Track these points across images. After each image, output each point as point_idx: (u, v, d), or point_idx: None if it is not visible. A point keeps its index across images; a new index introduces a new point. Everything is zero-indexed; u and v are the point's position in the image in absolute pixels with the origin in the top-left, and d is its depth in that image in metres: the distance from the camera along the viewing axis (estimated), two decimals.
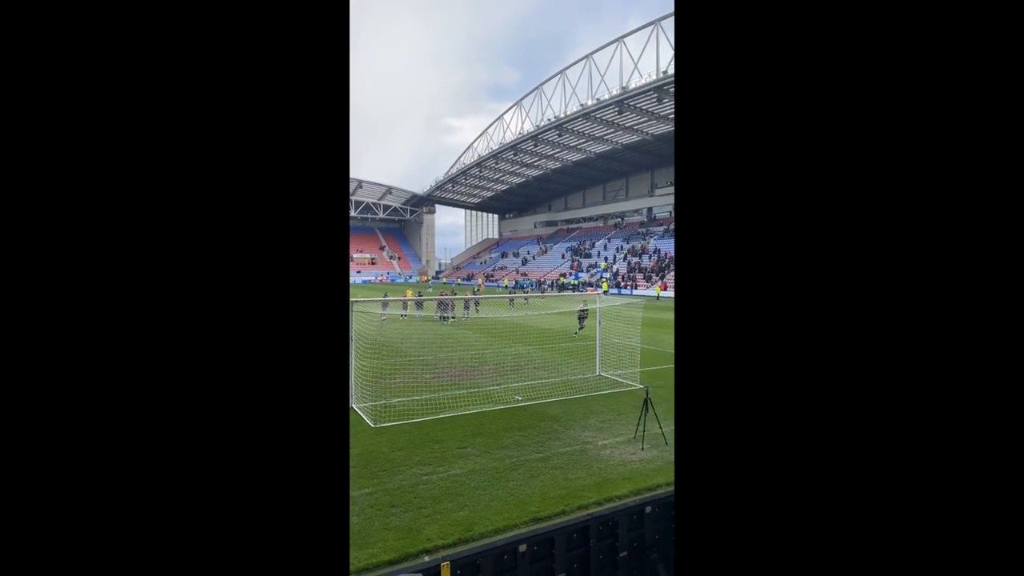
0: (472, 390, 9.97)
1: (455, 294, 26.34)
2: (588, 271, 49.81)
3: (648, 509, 4.82)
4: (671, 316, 22.01)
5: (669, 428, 7.40)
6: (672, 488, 5.34)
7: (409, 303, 21.37)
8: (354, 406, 8.76)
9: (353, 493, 5.57)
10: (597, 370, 11.49)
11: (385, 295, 17.36)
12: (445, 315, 19.85)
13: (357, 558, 4.30)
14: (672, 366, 12.17)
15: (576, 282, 46.62)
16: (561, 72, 47.47)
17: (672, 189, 52.38)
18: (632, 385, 10.22)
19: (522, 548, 3.86)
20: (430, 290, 34.67)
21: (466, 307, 21.24)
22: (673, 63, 36.49)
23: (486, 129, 58.94)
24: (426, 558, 4.17)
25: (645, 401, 7.13)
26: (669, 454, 6.68)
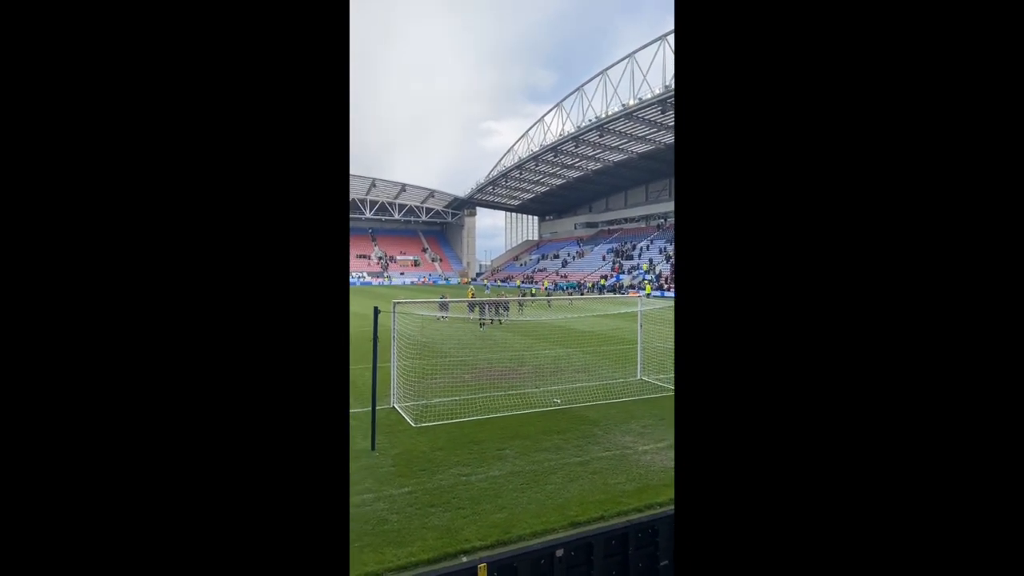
0: (511, 392, 9.98)
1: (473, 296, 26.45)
2: (630, 272, 49.10)
3: None
4: None
5: None
6: None
7: (487, 306, 21.65)
8: (396, 406, 8.92)
9: (393, 491, 5.67)
10: (638, 374, 11.30)
11: (443, 296, 17.62)
12: (484, 319, 19.98)
13: (397, 556, 4.37)
14: None
15: (616, 284, 45.99)
16: (602, 72, 47.06)
17: None
18: (673, 390, 9.98)
19: (559, 553, 3.82)
20: (488, 292, 34.99)
21: (505, 309, 21.35)
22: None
23: (527, 131, 59.09)
24: (464, 559, 4.19)
25: None
26: None
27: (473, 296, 25.63)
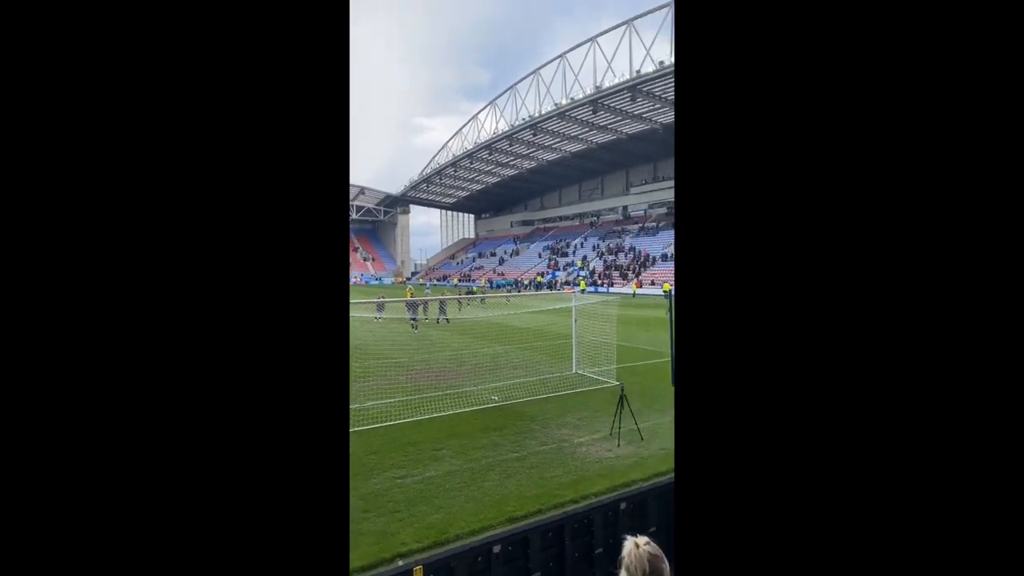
0: (448, 392, 9.89)
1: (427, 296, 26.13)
2: (565, 269, 50.06)
3: (623, 506, 4.83)
4: (646, 313, 22.29)
5: (644, 424, 7.45)
6: (645, 484, 5.37)
7: (431, 306, 21.18)
8: None
9: None
10: (574, 368, 11.53)
11: (380, 297, 17.04)
12: (414, 319, 19.54)
13: None
14: (647, 362, 12.29)
15: (552, 280, 46.80)
16: (535, 72, 47.61)
17: (646, 187, 53.04)
18: (608, 382, 10.27)
19: (496, 549, 3.81)
20: (428, 291, 34.57)
21: (441, 310, 21.12)
22: (644, 62, 36.93)
23: (460, 129, 58.79)
24: (400, 563, 4.10)
25: (620, 398, 7.17)
26: (644, 450, 6.72)
27: (412, 296, 25.16)
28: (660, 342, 12.03)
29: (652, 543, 1.82)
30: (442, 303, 20.96)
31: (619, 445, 6.87)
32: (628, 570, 1.80)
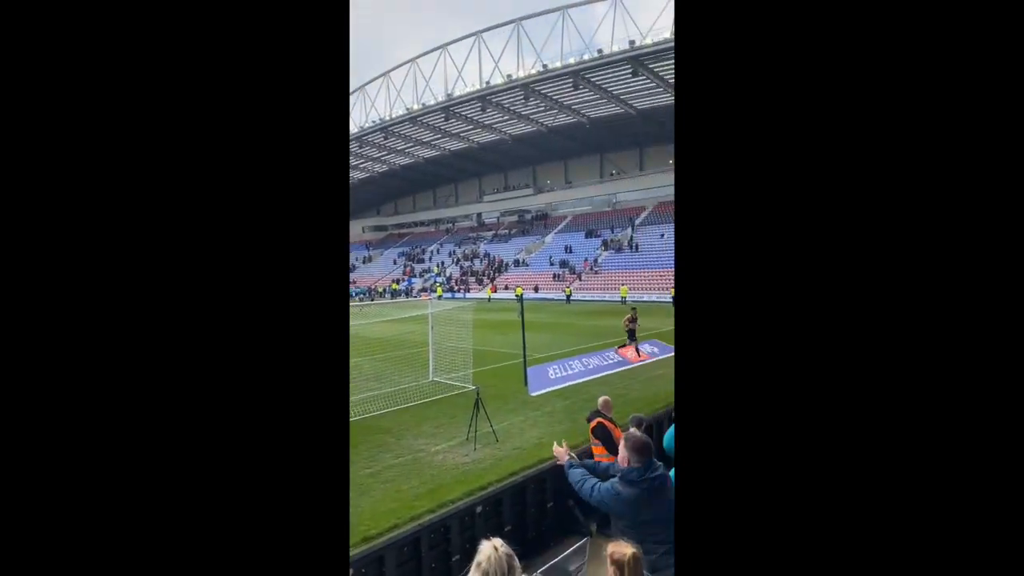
0: None
1: None
2: (422, 276, 49.60)
3: (479, 509, 4.91)
4: (501, 316, 22.99)
5: (500, 425, 7.67)
6: (501, 484, 5.53)
7: None
8: None
9: None
10: (430, 375, 11.45)
11: None
12: None
13: None
14: (502, 364, 12.65)
15: (408, 287, 46.09)
16: (385, 74, 46.60)
17: (498, 196, 54.87)
18: (465, 387, 10.38)
19: (351, 573, 3.62)
20: None
21: None
22: (493, 74, 38.25)
23: None
24: None
25: (476, 402, 7.29)
26: (499, 451, 6.91)
27: None
28: (515, 344, 12.49)
29: (506, 544, 1.90)
30: None
31: (475, 449, 6.97)
32: (487, 573, 1.83)
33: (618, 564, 1.98)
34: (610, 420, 5.74)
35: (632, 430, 3.01)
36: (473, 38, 39.99)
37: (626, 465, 2.76)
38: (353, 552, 4.25)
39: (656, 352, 13.75)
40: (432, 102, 41.53)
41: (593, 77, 34.91)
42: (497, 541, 1.94)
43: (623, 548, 2.03)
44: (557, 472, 5.95)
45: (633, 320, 14.26)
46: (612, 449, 5.54)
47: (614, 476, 2.78)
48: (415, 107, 42.63)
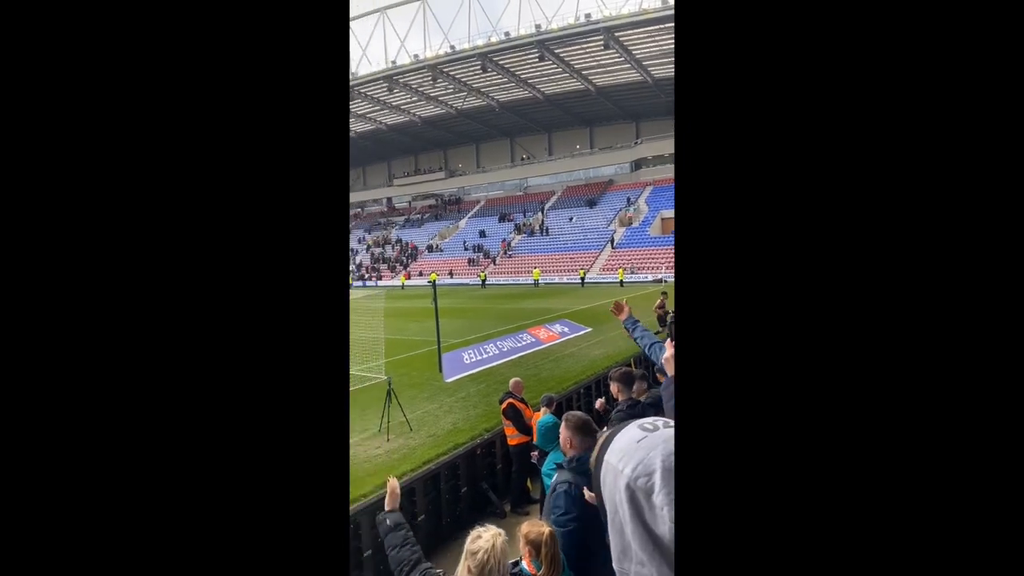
0: None
1: None
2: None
3: None
4: (416, 304, 22.61)
5: (413, 414, 7.58)
6: (415, 473, 5.48)
7: None
8: None
9: None
10: None
11: None
12: None
13: None
14: (416, 352, 12.52)
15: None
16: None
17: (409, 180, 53.61)
18: (377, 378, 10.13)
19: None
20: None
21: None
22: (400, 53, 36.99)
23: None
24: None
25: (388, 392, 7.14)
26: (414, 440, 6.84)
27: None
28: (429, 331, 12.34)
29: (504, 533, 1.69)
30: None
31: (388, 440, 6.85)
32: (483, 568, 1.63)
33: (534, 544, 1.87)
34: (521, 400, 5.85)
35: (571, 412, 2.71)
36: (378, 15, 38.40)
37: (570, 450, 2.50)
38: None
39: (566, 332, 14.20)
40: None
41: (501, 60, 34.90)
42: (496, 529, 1.73)
43: (538, 527, 1.92)
44: (470, 457, 6.01)
45: (662, 306, 13.52)
46: (522, 428, 5.66)
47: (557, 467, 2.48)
48: None
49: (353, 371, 10.78)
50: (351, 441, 6.93)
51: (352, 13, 39.71)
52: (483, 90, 39.71)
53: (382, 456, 6.39)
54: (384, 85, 37.95)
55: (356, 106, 41.66)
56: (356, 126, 46.38)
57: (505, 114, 43.66)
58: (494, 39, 33.80)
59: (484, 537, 1.67)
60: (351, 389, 9.57)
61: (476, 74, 36.56)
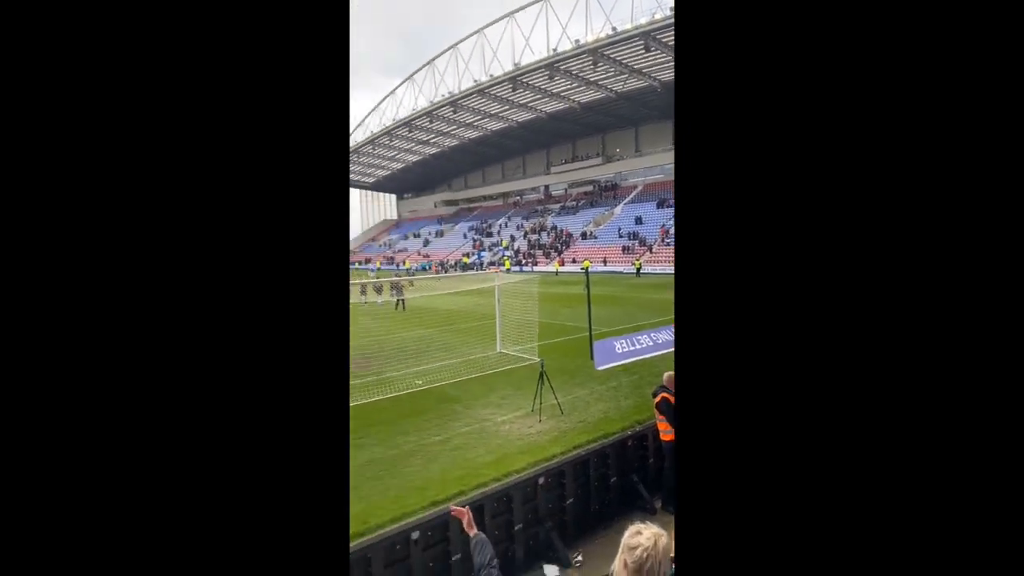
0: (369, 379, 9.68)
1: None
2: (491, 250, 50.14)
3: (541, 480, 4.98)
4: (568, 290, 22.87)
5: (565, 398, 7.70)
6: (565, 457, 5.57)
7: (368, 288, 20.70)
8: None
9: None
10: (498, 347, 11.65)
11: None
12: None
13: None
14: (568, 337, 12.64)
15: (478, 261, 46.80)
16: (453, 47, 46.60)
17: (566, 167, 53.91)
18: (531, 359, 10.48)
19: (415, 536, 3.81)
20: (372, 275, 33.47)
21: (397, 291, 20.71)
22: (561, 40, 37.17)
23: (378, 105, 56.67)
24: None
25: (540, 374, 7.34)
26: (565, 423, 6.95)
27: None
28: (581, 318, 12.40)
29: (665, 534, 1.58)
30: (395, 286, 20.37)
31: (540, 420, 7.05)
32: (641, 566, 1.52)
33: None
34: (674, 395, 5.59)
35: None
36: (540, 4, 38.94)
37: None
38: (421, 516, 4.47)
39: None
40: (500, 72, 41.14)
41: (665, 38, 33.06)
42: (658, 529, 1.59)
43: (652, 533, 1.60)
44: (621, 448, 5.93)
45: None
46: (676, 424, 5.41)
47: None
48: (483, 79, 42.44)
49: (509, 351, 11.29)
50: (505, 418, 7.30)
51: (515, 5, 40.83)
52: (645, 71, 38.14)
53: (533, 436, 6.60)
54: (545, 73, 38.52)
55: (517, 96, 43.00)
56: (517, 116, 47.91)
57: (667, 94, 41.40)
58: (658, 16, 32.16)
59: (644, 534, 1.58)
60: (509, 368, 10.04)
61: (638, 54, 35.23)
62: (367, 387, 9.07)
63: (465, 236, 56.78)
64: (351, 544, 4.06)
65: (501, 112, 47.03)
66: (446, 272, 41.13)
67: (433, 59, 48.89)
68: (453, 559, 3.97)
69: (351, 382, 9.26)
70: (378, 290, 21.68)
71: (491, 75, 41.94)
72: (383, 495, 5.17)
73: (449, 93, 45.77)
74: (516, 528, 4.50)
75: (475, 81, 43.15)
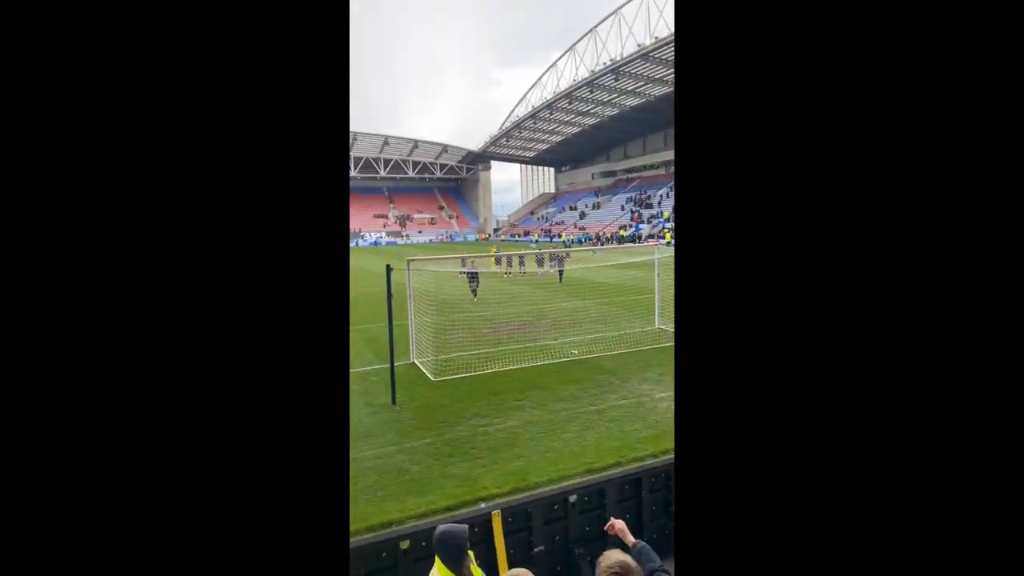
0: (528, 345, 10.06)
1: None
2: (650, 222, 48.24)
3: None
4: None
5: None
6: None
7: (514, 259, 22.32)
8: (415, 361, 9.09)
9: (413, 443, 5.84)
10: (656, 323, 11.26)
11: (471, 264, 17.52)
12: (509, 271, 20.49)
13: (417, 504, 4.53)
14: None
15: (636, 234, 45.39)
16: (616, 11, 44.80)
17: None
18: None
19: (572, 498, 3.90)
20: (533, 246, 35.55)
21: (522, 263, 21.47)
22: None
23: (540, 78, 57.18)
24: (482, 505, 4.33)
25: None
26: None
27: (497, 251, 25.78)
28: None
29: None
30: (556, 258, 21.13)
31: None
32: None
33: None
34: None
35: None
36: None
37: None
38: (577, 481, 4.56)
39: None
40: (665, 34, 38.62)
41: None
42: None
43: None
44: None
45: None
46: None
47: None
48: (647, 42, 40.27)
49: (668, 328, 10.84)
50: (663, 395, 7.05)
51: None
52: None
53: None
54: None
55: (650, 70, 39.97)
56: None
57: None
58: None
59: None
60: (668, 345, 9.66)
61: None
62: (526, 352, 9.45)
63: (623, 208, 55.34)
64: (511, 498, 4.31)
65: (666, 76, 44.23)
66: (600, 245, 40.66)
67: (595, 26, 47.62)
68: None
69: (509, 347, 9.75)
70: (522, 261, 22.43)
71: (656, 37, 39.59)
72: (541, 456, 5.39)
73: (611, 60, 44.33)
74: (672, 508, 4.34)
75: (639, 46, 41.12)
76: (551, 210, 68.92)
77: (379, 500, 4.63)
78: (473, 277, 16.14)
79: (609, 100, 51.08)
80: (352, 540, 3.69)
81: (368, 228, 66.00)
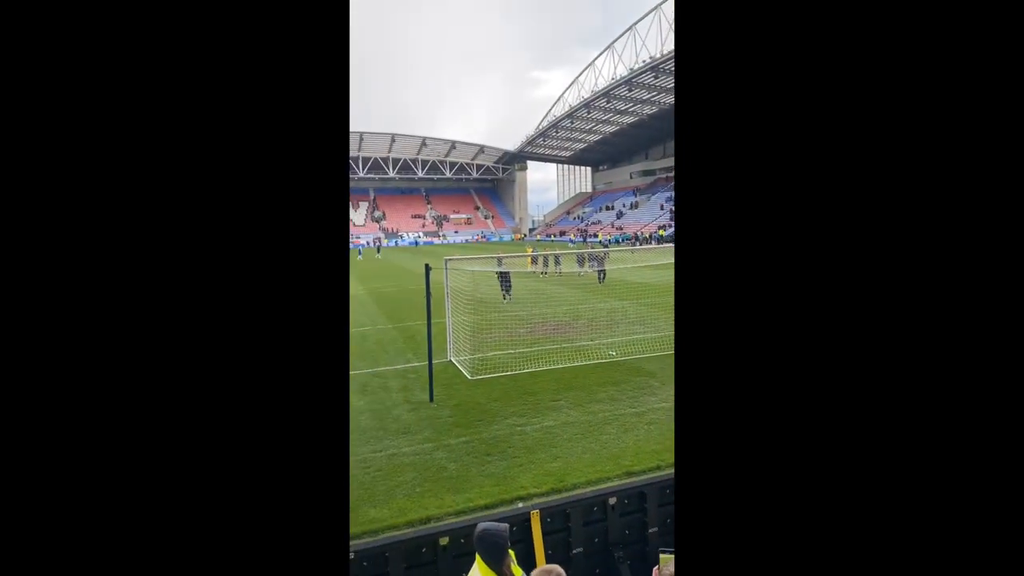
0: (565, 345, 9.99)
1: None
2: None
3: None
4: None
5: None
6: None
7: (550, 259, 22.35)
8: (452, 359, 9.16)
9: (451, 441, 5.87)
10: None
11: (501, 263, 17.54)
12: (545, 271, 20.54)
13: (455, 501, 4.56)
14: None
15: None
16: (657, 7, 44.04)
17: None
18: None
19: (612, 501, 3.84)
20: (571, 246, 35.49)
21: (557, 263, 21.40)
22: None
23: (577, 77, 56.77)
24: (520, 504, 4.31)
25: None
26: None
27: (533, 251, 25.75)
28: None
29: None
30: (595, 258, 21.05)
31: None
32: None
33: None
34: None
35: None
36: None
37: None
38: (616, 484, 4.49)
39: None
40: None
41: None
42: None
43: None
44: None
45: None
46: None
47: None
48: None
49: None
50: None
51: None
52: None
53: None
54: None
55: None
56: None
57: None
58: None
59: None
60: None
61: None
62: (562, 353, 9.38)
63: (662, 207, 54.33)
64: (550, 499, 4.27)
65: None
66: (638, 244, 40.06)
67: (634, 23, 46.95)
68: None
69: (546, 347, 9.71)
70: (557, 260, 22.33)
71: None
72: (579, 457, 5.33)
73: (651, 58, 43.62)
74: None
75: None
76: (587, 210, 68.36)
77: (418, 496, 4.68)
78: (504, 278, 16.03)
79: (648, 98, 50.26)
80: (390, 535, 3.76)
81: (406, 228, 67.08)
